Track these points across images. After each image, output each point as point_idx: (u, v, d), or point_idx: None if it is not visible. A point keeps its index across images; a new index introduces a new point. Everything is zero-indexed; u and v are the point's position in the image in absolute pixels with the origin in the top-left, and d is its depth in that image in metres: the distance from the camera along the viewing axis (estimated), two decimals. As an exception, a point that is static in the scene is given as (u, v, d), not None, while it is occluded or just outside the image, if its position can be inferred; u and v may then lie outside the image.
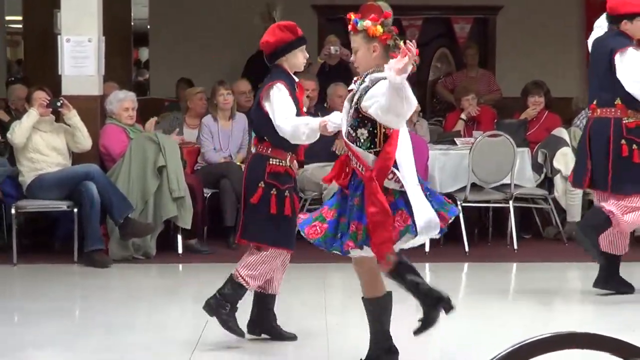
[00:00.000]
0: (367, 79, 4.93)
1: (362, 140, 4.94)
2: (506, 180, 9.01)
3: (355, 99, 4.94)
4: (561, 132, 9.56)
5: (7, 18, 15.86)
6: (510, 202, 9.00)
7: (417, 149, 8.66)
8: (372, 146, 4.93)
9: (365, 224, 4.83)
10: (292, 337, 5.93)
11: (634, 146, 6.88)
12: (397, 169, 4.88)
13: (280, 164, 5.68)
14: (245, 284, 5.72)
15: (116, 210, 8.41)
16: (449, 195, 9.07)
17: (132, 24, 14.56)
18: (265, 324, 5.94)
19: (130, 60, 14.51)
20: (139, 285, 7.99)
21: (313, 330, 6.25)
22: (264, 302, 5.93)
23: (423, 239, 5.08)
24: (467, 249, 8.78)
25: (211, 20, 13.11)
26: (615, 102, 6.92)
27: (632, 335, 2.27)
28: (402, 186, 4.86)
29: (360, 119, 4.94)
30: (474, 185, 8.98)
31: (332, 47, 10.97)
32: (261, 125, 5.73)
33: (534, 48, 13.21)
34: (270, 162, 5.68)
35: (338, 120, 5.29)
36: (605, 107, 6.96)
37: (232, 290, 5.73)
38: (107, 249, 8.54)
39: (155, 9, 14.08)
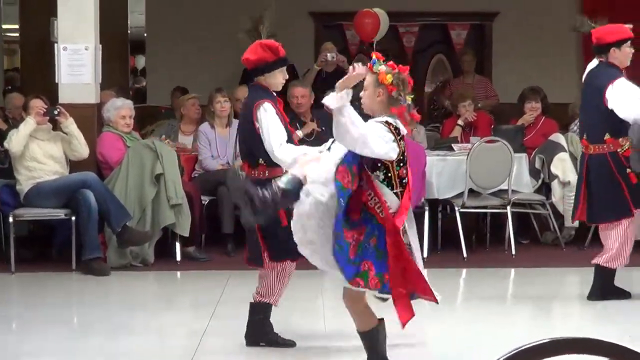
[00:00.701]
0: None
1: (380, 181, 4.93)
2: (504, 186, 9.01)
3: None
4: (558, 137, 9.56)
5: (4, 26, 15.88)
6: (508, 207, 9.00)
7: (414, 155, 8.75)
8: (390, 188, 4.94)
9: (384, 272, 4.84)
10: (291, 344, 5.92)
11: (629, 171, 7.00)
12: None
13: None
14: (268, 301, 5.92)
15: (114, 218, 8.40)
16: (447, 201, 9.11)
17: (129, 32, 14.58)
18: (262, 334, 5.92)
19: (127, 68, 14.52)
20: (137, 293, 7.98)
21: (311, 335, 6.25)
22: (261, 312, 5.91)
23: None
24: (464, 254, 8.78)
25: (208, 27, 13.12)
26: (605, 138, 7.00)
27: (630, 340, 2.27)
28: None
29: (374, 162, 4.92)
30: (471, 191, 8.98)
31: (328, 54, 10.99)
32: (256, 146, 5.70)
33: (531, 54, 13.23)
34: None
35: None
36: (597, 143, 7.04)
37: (259, 313, 5.91)
38: (105, 257, 8.54)
39: (151, 17, 14.09)
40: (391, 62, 5.03)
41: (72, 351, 6.06)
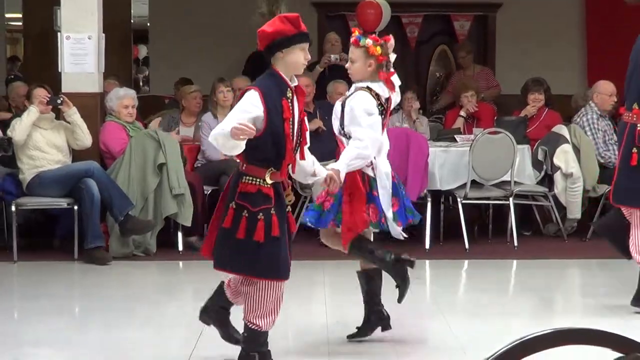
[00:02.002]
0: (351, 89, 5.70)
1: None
2: (506, 178, 9.00)
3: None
4: (561, 129, 9.55)
5: (7, 15, 15.87)
6: (511, 199, 9.00)
7: (417, 146, 8.77)
8: None
9: (338, 199, 5.55)
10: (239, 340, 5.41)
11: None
12: (374, 159, 5.59)
13: (253, 182, 4.95)
14: (257, 328, 5.13)
15: (116, 207, 8.41)
16: (449, 193, 9.11)
17: (132, 21, 14.57)
18: (215, 315, 5.49)
19: (130, 58, 14.52)
20: (139, 283, 7.99)
21: (313, 326, 6.25)
22: (222, 300, 5.44)
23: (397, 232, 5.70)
24: (467, 246, 8.78)
25: (211, 17, 13.11)
26: (633, 106, 6.49)
27: (633, 330, 2.27)
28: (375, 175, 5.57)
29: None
30: (474, 182, 8.97)
31: (332, 56, 10.93)
32: None
33: (534, 45, 13.21)
34: (243, 180, 4.98)
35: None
36: (627, 111, 6.54)
37: (251, 340, 5.19)
38: (107, 246, 8.55)
39: (155, 7, 14.08)
40: (373, 35, 5.63)
41: (74, 340, 6.06)
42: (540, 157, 9.48)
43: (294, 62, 5.02)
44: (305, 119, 5.21)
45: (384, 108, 5.60)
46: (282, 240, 5.01)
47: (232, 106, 9.50)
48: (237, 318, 5.34)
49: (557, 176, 9.33)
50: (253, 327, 5.11)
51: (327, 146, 8.41)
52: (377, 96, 5.56)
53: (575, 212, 9.29)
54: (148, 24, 14.68)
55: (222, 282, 5.41)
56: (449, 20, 13.92)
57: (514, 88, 10.97)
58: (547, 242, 9.33)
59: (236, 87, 9.92)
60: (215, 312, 5.46)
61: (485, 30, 13.93)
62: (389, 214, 5.58)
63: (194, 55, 13.00)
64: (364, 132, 5.47)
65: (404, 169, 8.57)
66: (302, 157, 5.21)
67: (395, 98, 5.76)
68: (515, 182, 8.99)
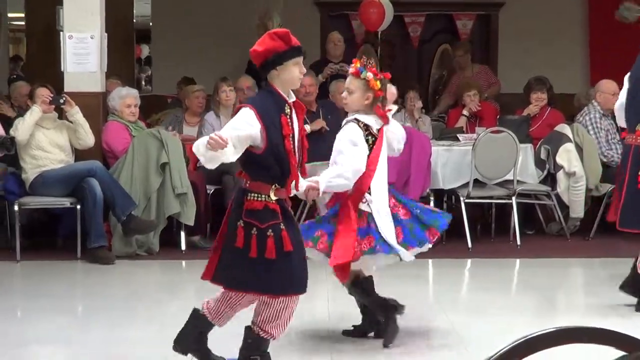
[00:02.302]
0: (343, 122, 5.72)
1: None
2: (509, 177, 9.01)
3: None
4: (564, 128, 9.55)
5: (10, 15, 15.87)
6: (513, 198, 9.00)
7: (419, 145, 8.77)
8: None
9: (331, 235, 5.54)
10: None
11: None
12: (370, 194, 5.57)
13: (259, 198, 4.88)
14: (268, 336, 5.09)
15: (119, 206, 8.42)
16: (452, 192, 9.10)
17: (135, 20, 14.57)
18: (193, 343, 5.37)
19: (132, 57, 14.52)
20: (142, 282, 8.00)
21: (316, 324, 6.25)
22: (201, 324, 5.32)
23: (408, 256, 5.64)
24: (470, 245, 8.78)
25: (214, 16, 13.12)
26: (637, 128, 6.39)
27: (635, 329, 2.27)
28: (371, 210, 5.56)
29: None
30: (476, 181, 8.97)
31: (333, 67, 10.93)
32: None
33: (537, 44, 13.21)
34: (248, 198, 4.89)
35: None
36: (630, 133, 6.44)
37: (256, 346, 5.14)
38: (110, 246, 8.55)
39: (157, 6, 14.09)
40: (373, 69, 5.59)
41: (77, 339, 6.06)
42: (542, 156, 9.47)
43: (289, 78, 4.92)
44: (305, 136, 5.11)
45: (375, 138, 5.60)
46: (294, 254, 4.90)
47: (234, 105, 9.59)
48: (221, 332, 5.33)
49: (560, 175, 9.33)
50: (264, 335, 5.07)
51: (331, 145, 8.41)
52: (365, 127, 5.57)
53: (577, 211, 9.29)
54: (150, 24, 14.69)
55: (196, 309, 5.29)
56: (452, 20, 13.93)
57: (517, 87, 10.98)
58: (550, 241, 9.33)
59: (239, 86, 9.93)
60: (194, 339, 5.28)
61: (488, 29, 13.94)
62: (395, 244, 5.57)
63: (197, 54, 13.01)
64: (346, 159, 5.48)
65: (406, 168, 8.58)
66: (304, 174, 5.17)
67: (393, 128, 5.75)
68: (518, 181, 8.99)
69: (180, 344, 5.29)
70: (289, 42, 4.90)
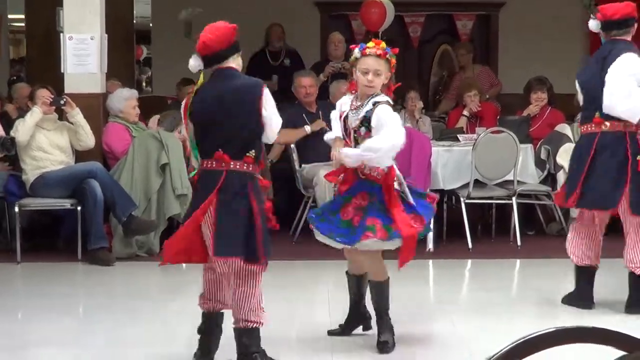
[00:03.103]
0: (368, 104, 5.55)
1: None
2: (509, 177, 9.01)
3: (360, 122, 5.55)
4: (564, 128, 9.55)
5: (10, 16, 15.88)
6: (513, 198, 9.00)
7: (419, 145, 8.76)
8: None
9: (389, 223, 5.42)
10: None
11: None
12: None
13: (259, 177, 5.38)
14: (254, 325, 5.27)
15: (119, 208, 8.42)
16: (452, 192, 9.10)
17: (135, 21, 14.58)
18: (217, 343, 5.54)
19: (132, 58, 14.52)
20: (142, 283, 8.00)
21: (316, 325, 6.25)
22: (215, 320, 5.52)
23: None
24: (470, 245, 8.78)
25: (213, 17, 13.10)
26: (595, 115, 6.49)
27: (636, 329, 2.27)
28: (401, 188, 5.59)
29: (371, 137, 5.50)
30: (477, 181, 8.97)
31: (335, 65, 10.90)
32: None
33: (537, 44, 13.22)
34: (256, 178, 5.30)
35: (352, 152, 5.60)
36: (615, 120, 6.43)
37: (249, 341, 5.29)
38: (110, 247, 8.55)
39: (157, 7, 14.09)
40: (395, 49, 5.60)
41: (78, 341, 6.07)
42: (543, 156, 9.47)
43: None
44: None
45: None
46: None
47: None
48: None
49: (560, 175, 9.32)
50: (251, 325, 5.24)
51: (323, 146, 8.46)
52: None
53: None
54: (150, 24, 14.69)
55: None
56: (452, 20, 13.93)
57: (517, 87, 10.98)
58: (550, 241, 9.32)
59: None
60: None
61: (488, 29, 13.94)
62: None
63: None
64: (391, 131, 5.44)
65: (406, 169, 8.57)
66: None
67: None
68: (518, 181, 8.99)
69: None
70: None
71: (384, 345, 5.63)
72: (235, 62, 5.43)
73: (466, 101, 10.35)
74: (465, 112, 10.33)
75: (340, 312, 6.50)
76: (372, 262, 5.68)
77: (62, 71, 9.07)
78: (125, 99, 9.04)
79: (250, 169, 5.22)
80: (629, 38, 6.63)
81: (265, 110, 5.22)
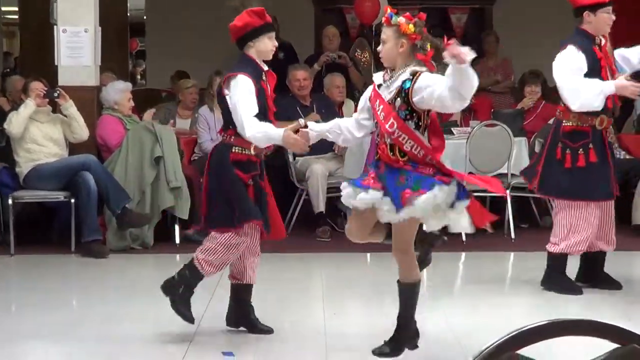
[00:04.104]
0: (404, 74, 5.06)
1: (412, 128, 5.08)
2: (503, 170, 9.01)
3: (396, 93, 5.05)
4: (558, 121, 9.55)
5: (4, 9, 15.86)
6: (508, 191, 9.01)
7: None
8: (421, 132, 5.12)
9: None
10: (268, 331, 5.87)
11: (567, 150, 6.76)
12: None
13: (243, 152, 5.63)
14: (200, 269, 5.79)
15: (113, 200, 8.41)
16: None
17: (129, 14, 14.56)
18: (241, 316, 5.91)
19: (126, 51, 14.51)
20: (136, 276, 7.98)
21: (311, 318, 6.26)
22: (240, 293, 5.91)
23: None
24: (464, 238, 8.77)
25: (208, 10, 13.10)
26: (560, 104, 6.90)
27: (629, 323, 2.27)
28: None
29: (409, 111, 5.05)
30: (471, 174, 8.96)
31: (330, 55, 10.88)
32: (227, 113, 5.65)
33: (531, 38, 13.20)
34: (233, 151, 5.63)
35: (319, 128, 5.50)
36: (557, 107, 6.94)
37: (189, 274, 5.84)
38: (104, 239, 8.54)
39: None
40: (407, 14, 5.16)
41: (71, 333, 6.06)
42: (537, 149, 9.45)
43: (263, 49, 5.65)
44: (273, 100, 5.74)
45: None
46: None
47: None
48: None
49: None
50: (197, 265, 5.81)
51: (325, 140, 8.42)
52: None
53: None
54: (144, 17, 14.67)
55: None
56: (446, 13, 13.92)
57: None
58: (544, 235, 9.25)
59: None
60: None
61: (482, 22, 13.93)
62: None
63: (191, 48, 12.99)
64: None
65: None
66: None
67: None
68: (512, 174, 9.00)
69: (229, 321, 5.99)
70: (264, 17, 5.64)
71: (381, 351, 5.38)
72: (255, 47, 5.65)
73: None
74: (459, 105, 10.32)
75: (333, 304, 6.51)
76: (403, 259, 5.29)
77: (55, 64, 9.05)
78: (120, 91, 9.03)
79: (232, 140, 5.61)
80: (584, 27, 6.85)
81: (229, 98, 5.55)
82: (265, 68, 5.69)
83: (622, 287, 7.04)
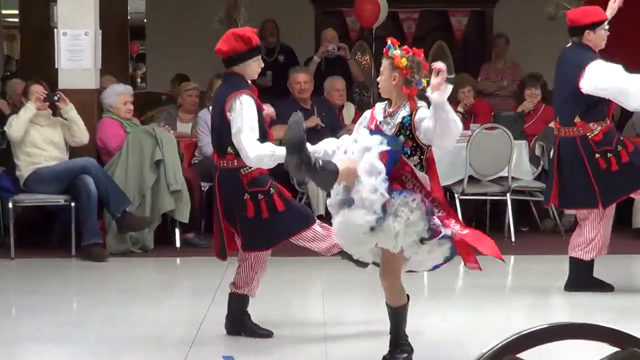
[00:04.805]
0: (404, 110, 5.09)
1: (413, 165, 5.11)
2: (503, 173, 9.01)
3: (397, 130, 5.07)
4: (558, 124, 9.55)
5: (4, 12, 15.86)
6: (508, 194, 9.01)
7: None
8: (422, 170, 5.20)
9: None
10: (268, 335, 5.86)
11: (609, 154, 6.81)
12: None
13: (251, 169, 5.61)
14: (241, 293, 5.86)
15: (113, 204, 8.40)
16: (447, 188, 9.09)
17: (129, 17, 14.57)
18: (240, 325, 5.90)
19: (127, 54, 14.51)
20: (136, 279, 7.98)
21: (311, 321, 6.25)
22: (237, 304, 5.90)
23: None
24: (464, 241, 8.77)
25: (208, 13, 13.08)
26: (575, 121, 6.85)
27: (629, 325, 2.27)
28: None
29: (413, 147, 5.10)
30: (471, 178, 8.97)
31: (329, 46, 10.89)
32: (226, 135, 5.57)
33: (531, 40, 13.19)
34: (242, 172, 5.62)
35: (311, 148, 5.11)
36: (567, 126, 6.90)
37: (234, 304, 5.87)
38: (104, 243, 8.54)
39: (151, 3, 14.07)
40: (405, 47, 5.15)
41: (71, 336, 6.06)
42: (537, 152, 9.47)
43: (248, 72, 5.70)
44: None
45: None
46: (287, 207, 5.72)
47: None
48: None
49: (554, 171, 9.32)
50: (241, 292, 5.82)
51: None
52: None
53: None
54: (145, 20, 14.67)
55: (230, 293, 5.92)
56: (446, 16, 13.92)
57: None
58: (545, 238, 9.34)
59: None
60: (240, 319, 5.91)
61: (483, 25, 13.93)
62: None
63: (191, 51, 12.98)
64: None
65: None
66: None
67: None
68: (512, 177, 9.00)
69: (228, 328, 5.91)
70: (249, 42, 5.64)
71: None
72: (241, 69, 5.69)
73: (460, 97, 10.34)
74: (459, 109, 10.32)
75: (333, 307, 6.51)
76: (391, 284, 5.29)
77: (56, 67, 9.05)
78: (116, 94, 9.02)
79: (235, 165, 5.62)
80: (585, 42, 6.99)
81: (229, 114, 5.57)
82: (249, 82, 5.76)
83: (614, 288, 7.05)
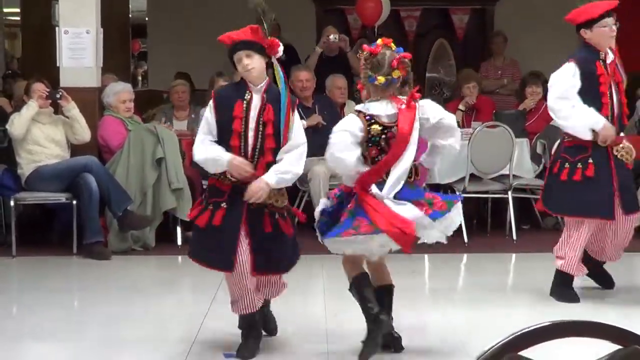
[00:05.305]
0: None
1: None
2: (505, 171, 9.01)
3: None
4: (560, 122, 9.55)
5: (5, 10, 15.86)
6: (509, 192, 9.01)
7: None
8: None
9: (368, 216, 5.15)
10: (270, 332, 5.91)
11: (566, 164, 6.67)
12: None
13: (214, 176, 5.60)
14: (234, 312, 5.63)
15: (115, 202, 8.41)
16: (448, 186, 9.10)
17: (130, 15, 14.56)
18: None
19: (128, 52, 14.50)
20: (138, 277, 7.99)
21: (312, 319, 6.26)
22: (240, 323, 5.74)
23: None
24: (466, 239, 8.78)
25: (210, 11, 13.09)
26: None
27: (631, 324, 2.27)
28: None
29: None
30: (472, 175, 8.97)
31: (331, 36, 10.94)
32: None
33: (533, 38, 13.20)
34: (208, 175, 5.67)
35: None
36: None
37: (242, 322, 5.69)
38: (106, 241, 8.54)
39: (153, 1, 14.07)
40: (380, 44, 5.36)
41: (73, 335, 6.06)
42: (539, 150, 9.47)
43: (240, 70, 5.47)
44: (271, 123, 5.39)
45: (384, 128, 5.27)
46: (221, 231, 5.38)
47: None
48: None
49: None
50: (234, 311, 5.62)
51: (327, 140, 8.41)
52: (371, 118, 5.26)
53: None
54: (146, 18, 14.67)
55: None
56: (448, 14, 13.92)
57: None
58: (546, 236, 9.31)
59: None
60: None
61: (484, 23, 13.93)
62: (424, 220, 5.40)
63: (193, 49, 12.99)
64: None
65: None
66: (266, 158, 5.40)
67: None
68: (514, 175, 9.00)
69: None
70: (234, 38, 5.45)
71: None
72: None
73: (465, 92, 10.32)
74: (461, 106, 10.32)
75: (335, 305, 6.51)
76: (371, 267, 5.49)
77: (57, 65, 9.06)
78: (114, 93, 9.03)
79: None
80: (587, 41, 6.80)
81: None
82: (258, 87, 5.46)
83: (614, 286, 7.06)
